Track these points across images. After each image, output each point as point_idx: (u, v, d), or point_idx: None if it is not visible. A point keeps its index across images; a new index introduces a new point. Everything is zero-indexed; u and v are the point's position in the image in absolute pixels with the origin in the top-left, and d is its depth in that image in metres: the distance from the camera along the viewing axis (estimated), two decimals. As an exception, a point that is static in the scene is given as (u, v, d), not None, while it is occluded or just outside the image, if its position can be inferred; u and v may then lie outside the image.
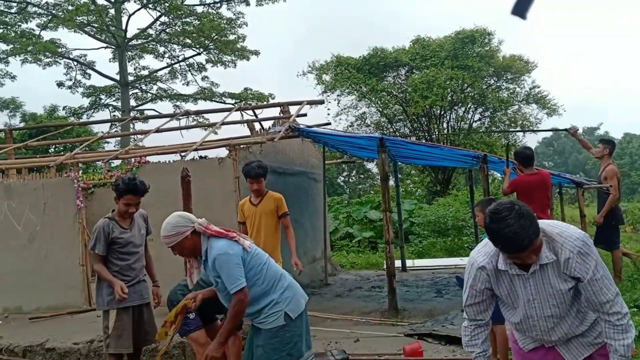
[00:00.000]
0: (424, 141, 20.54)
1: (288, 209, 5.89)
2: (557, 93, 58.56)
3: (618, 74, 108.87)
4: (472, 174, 12.58)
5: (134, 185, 4.58)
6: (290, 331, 3.44)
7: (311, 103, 10.61)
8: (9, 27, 24.96)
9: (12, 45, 24.65)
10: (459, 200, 17.42)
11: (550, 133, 61.18)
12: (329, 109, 23.91)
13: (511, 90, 24.18)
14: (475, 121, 24.88)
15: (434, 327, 6.38)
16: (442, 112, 23.97)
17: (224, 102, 27.14)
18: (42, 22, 25.45)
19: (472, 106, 24.09)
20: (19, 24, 25.26)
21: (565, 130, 10.40)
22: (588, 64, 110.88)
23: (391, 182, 14.18)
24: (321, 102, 12.17)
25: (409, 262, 12.18)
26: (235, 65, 27.87)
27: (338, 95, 24.42)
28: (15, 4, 25.18)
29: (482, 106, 24.02)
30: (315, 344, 4.21)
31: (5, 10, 25.22)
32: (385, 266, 8.45)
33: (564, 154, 60.35)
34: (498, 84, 24.22)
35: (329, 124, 10.92)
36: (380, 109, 24.39)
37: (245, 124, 10.40)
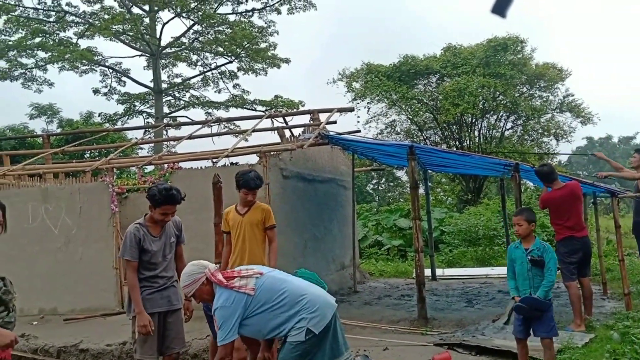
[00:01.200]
0: (454, 149, 20.36)
1: (275, 222, 5.57)
2: (591, 101, 57.52)
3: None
4: (504, 183, 12.39)
5: (171, 196, 4.44)
6: (310, 344, 3.45)
7: (341, 110, 10.63)
8: (48, 36, 25.69)
9: (50, 53, 25.35)
10: (490, 210, 17.19)
11: (585, 142, 59.96)
12: (358, 117, 23.97)
13: (544, 99, 23.80)
14: (508, 129, 24.55)
15: (464, 337, 6.30)
16: (474, 120, 23.72)
17: (255, 110, 27.39)
18: (80, 31, 26.13)
19: (504, 114, 23.78)
20: (57, 32, 25.97)
21: (592, 154, 10.20)
22: (624, 71, 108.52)
23: (421, 190, 14.10)
24: (351, 109, 12.18)
25: (439, 271, 12.06)
26: (266, 73, 28.14)
27: (368, 103, 24.41)
28: (54, 13, 25.91)
29: (515, 114, 23.69)
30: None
31: (45, 19, 25.97)
32: (414, 275, 8.39)
33: (598, 163, 58.97)
34: (531, 92, 23.87)
35: (359, 131, 10.93)
36: (411, 117, 24.27)
37: (276, 131, 10.49)
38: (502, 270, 11.90)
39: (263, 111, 24.90)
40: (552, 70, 23.02)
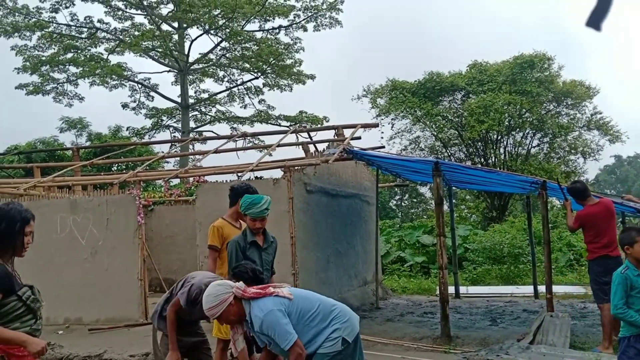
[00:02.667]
0: (479, 166, 20.19)
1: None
2: (620, 119, 56.56)
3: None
4: (530, 201, 12.25)
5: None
6: (344, 355, 3.47)
7: (365, 126, 10.67)
8: (80, 52, 26.35)
9: (81, 69, 25.99)
10: (516, 227, 16.97)
11: (613, 160, 58.88)
12: (382, 132, 24.00)
13: (571, 116, 23.50)
14: (534, 147, 24.27)
15: (488, 356, 6.20)
16: (499, 137, 23.52)
17: (280, 125, 27.60)
18: (110, 47, 26.77)
19: (530, 131, 23.55)
20: (89, 48, 26.63)
21: (622, 197, 10.01)
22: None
23: (445, 207, 14.00)
24: (375, 125, 12.22)
25: (462, 289, 11.93)
26: (291, 89, 28.38)
27: (392, 119, 24.40)
28: (86, 30, 26.60)
29: (541, 132, 23.43)
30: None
31: (77, 35, 26.67)
32: (437, 292, 8.32)
33: (627, 182, 57.83)
34: (558, 110, 23.60)
35: (383, 147, 10.96)
36: (435, 133, 24.19)
37: (300, 146, 10.56)
38: (527, 289, 11.73)
39: (288, 126, 25.06)
40: (580, 87, 22.75)
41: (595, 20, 1.63)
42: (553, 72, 22.88)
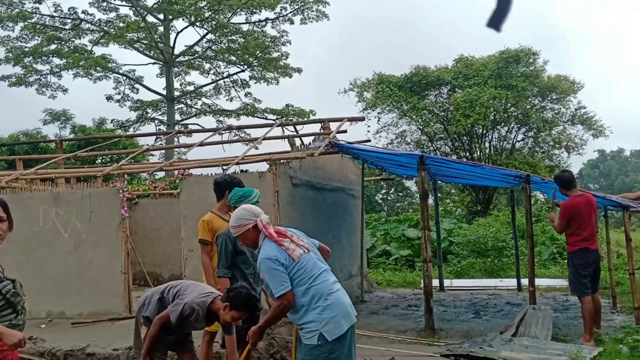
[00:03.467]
0: (464, 160, 20.32)
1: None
2: (603, 114, 57.32)
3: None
4: (514, 195, 12.35)
5: None
6: (324, 353, 3.41)
7: (352, 120, 10.66)
8: (63, 43, 26.03)
9: (65, 60, 25.69)
10: (500, 221, 17.11)
11: (597, 155, 59.59)
12: (369, 127, 23.99)
13: (556, 111, 23.73)
14: (519, 141, 24.49)
15: (471, 348, 6.25)
16: (484, 132, 23.69)
17: (266, 118, 27.52)
18: (95, 38, 26.47)
19: (515, 126, 23.74)
20: (73, 39, 26.31)
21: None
22: (636, 84, 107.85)
23: (430, 201, 14.05)
24: (362, 119, 12.20)
25: (447, 282, 12.01)
26: (277, 82, 28.29)
27: (379, 113, 24.46)
28: (69, 21, 26.27)
29: (526, 126, 23.64)
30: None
31: (61, 26, 26.33)
32: (422, 285, 8.38)
33: (610, 176, 58.58)
34: (542, 104, 23.81)
35: (369, 140, 10.97)
36: (421, 127, 24.29)
37: (286, 140, 10.53)
38: (510, 282, 11.84)
39: (274, 120, 25.00)
40: (564, 82, 22.96)
41: (496, 21, 1.64)
42: (538, 67, 23.07)
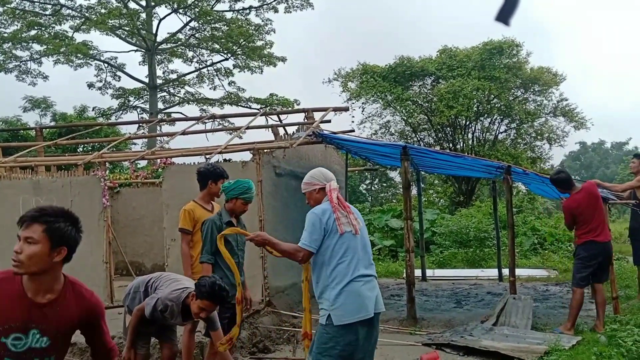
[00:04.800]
0: (447, 151, 20.42)
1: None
2: (584, 106, 58.14)
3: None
4: (496, 186, 12.46)
5: None
6: (329, 334, 3.42)
7: (336, 110, 10.64)
8: (43, 29, 25.57)
9: (45, 46, 25.24)
10: (482, 212, 17.26)
11: (578, 147, 60.34)
12: (353, 117, 24.00)
13: (538, 103, 23.92)
14: (501, 132, 24.67)
15: (453, 337, 6.33)
16: (468, 123, 23.81)
17: (250, 107, 27.39)
18: (75, 25, 26.04)
19: (498, 117, 23.90)
20: (53, 25, 25.86)
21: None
22: (616, 77, 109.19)
23: (413, 192, 14.13)
24: (346, 109, 12.18)
25: (429, 272, 12.11)
26: (261, 71, 28.12)
27: (363, 103, 24.46)
28: (50, 6, 25.79)
29: (508, 118, 23.80)
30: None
31: (41, 12, 25.85)
32: (404, 275, 8.43)
33: (591, 168, 59.37)
34: (525, 96, 23.98)
35: (353, 130, 10.93)
36: (405, 118, 24.34)
37: (270, 129, 10.49)
38: (491, 272, 11.97)
39: (258, 109, 24.87)
40: (547, 74, 23.13)
41: (504, 15, 1.66)
42: (521, 59, 23.19)
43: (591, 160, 61.01)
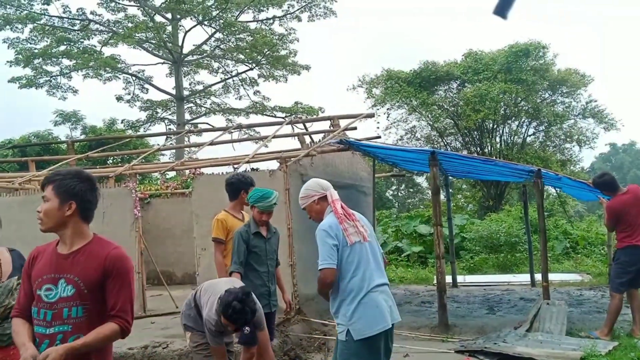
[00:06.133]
0: (475, 155, 20.22)
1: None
2: (615, 107, 56.91)
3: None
4: (526, 189, 12.28)
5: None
6: (350, 350, 3.33)
7: (361, 117, 10.64)
8: (72, 44, 26.16)
9: (74, 61, 25.81)
10: (512, 216, 17.02)
11: (608, 148, 59.10)
12: (378, 123, 23.95)
13: (567, 104, 23.52)
14: (529, 135, 24.31)
15: (486, 344, 6.25)
16: (495, 126, 23.54)
17: (275, 116, 27.52)
18: (103, 39, 26.57)
19: (525, 120, 23.57)
20: (82, 40, 26.42)
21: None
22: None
23: (442, 197, 14.01)
24: (371, 115, 12.16)
25: (459, 278, 11.97)
26: (286, 80, 28.28)
27: (388, 109, 24.37)
28: (78, 22, 26.40)
29: (537, 120, 23.45)
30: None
31: (69, 27, 26.47)
32: (435, 281, 8.35)
33: (622, 169, 58.03)
34: (553, 98, 23.61)
35: (379, 137, 10.93)
36: (431, 123, 24.19)
37: (296, 137, 10.54)
38: (524, 278, 11.78)
39: (283, 117, 25.00)
40: (575, 75, 22.75)
41: (502, 9, 1.65)
42: (548, 60, 22.85)
43: (622, 162, 59.62)
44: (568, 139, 23.80)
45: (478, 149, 23.62)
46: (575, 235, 15.60)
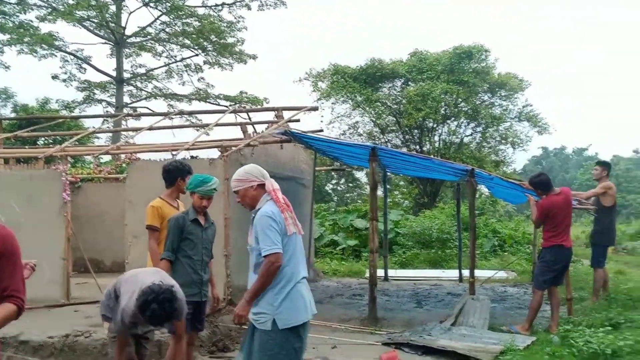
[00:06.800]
0: (414, 152, 20.67)
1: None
2: (547, 112, 59.70)
3: (609, 96, 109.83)
4: (460, 188, 12.67)
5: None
6: (274, 340, 3.33)
7: (305, 109, 10.66)
8: (7, 17, 24.87)
9: (9, 36, 24.53)
10: (445, 213, 17.52)
11: (540, 151, 61.65)
12: (322, 116, 24.10)
13: (504, 107, 24.42)
14: (467, 136, 25.10)
15: (412, 337, 6.42)
16: (435, 126, 24.15)
17: (219, 104, 27.12)
18: (42, 14, 25.37)
19: (464, 121, 24.30)
20: (18, 14, 25.14)
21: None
22: (579, 84, 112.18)
23: (379, 192, 14.25)
24: (315, 108, 12.18)
25: (391, 272, 12.23)
26: (232, 68, 27.91)
27: (332, 103, 24.57)
28: (15, -5, 25.11)
29: (475, 121, 24.23)
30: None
31: (5, 0, 25.13)
32: (367, 275, 8.50)
33: (552, 172, 60.74)
34: (492, 100, 24.47)
35: (322, 130, 10.99)
36: (374, 119, 24.54)
37: (239, 127, 10.44)
38: (452, 273, 12.18)
39: (227, 106, 24.69)
40: (513, 80, 23.64)
41: None
42: (489, 64, 23.63)
43: (552, 165, 62.45)
44: (503, 141, 24.74)
45: (417, 146, 24.18)
46: (503, 234, 16.24)
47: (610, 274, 9.32)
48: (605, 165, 8.84)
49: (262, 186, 3.56)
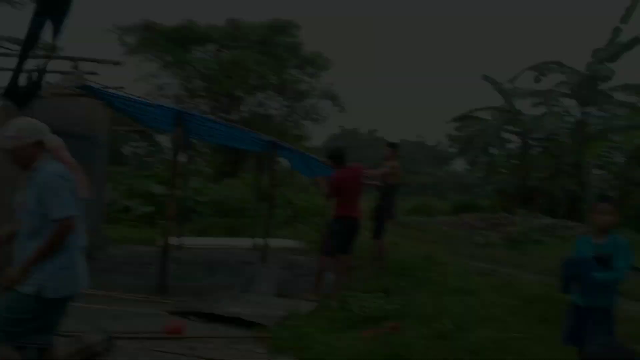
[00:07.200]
0: (221, 120, 20.58)
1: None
2: (346, 93, 64.41)
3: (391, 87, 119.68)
4: (261, 159, 12.94)
5: None
6: (32, 306, 3.06)
7: (107, 62, 9.89)
8: None
9: None
10: (246, 183, 17.77)
11: (339, 130, 65.89)
12: (127, 74, 22.72)
13: (310, 84, 25.48)
14: (274, 109, 25.72)
15: (199, 305, 6.46)
16: (244, 95, 24.28)
17: (5, 47, 23.86)
18: None
19: (273, 93, 24.83)
20: None
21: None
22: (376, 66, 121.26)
23: (182, 158, 13.91)
24: (118, 62, 11.35)
25: (187, 241, 12.06)
26: (23, 6, 24.69)
27: (140, 61, 23.25)
28: None
29: (282, 95, 24.90)
30: (70, 322, 3.84)
31: None
32: (160, 242, 8.32)
33: (347, 150, 65.40)
34: (299, 77, 25.32)
35: (123, 87, 10.32)
36: (183, 82, 23.83)
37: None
38: (248, 242, 12.42)
39: (13, 50, 21.83)
40: (321, 58, 24.74)
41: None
42: (300, 40, 24.40)
43: (348, 143, 67.26)
44: (306, 117, 25.87)
45: (225, 114, 24.12)
46: (297, 205, 17.00)
47: (388, 245, 10.25)
48: (394, 146, 9.69)
49: (41, 144, 3.25)
